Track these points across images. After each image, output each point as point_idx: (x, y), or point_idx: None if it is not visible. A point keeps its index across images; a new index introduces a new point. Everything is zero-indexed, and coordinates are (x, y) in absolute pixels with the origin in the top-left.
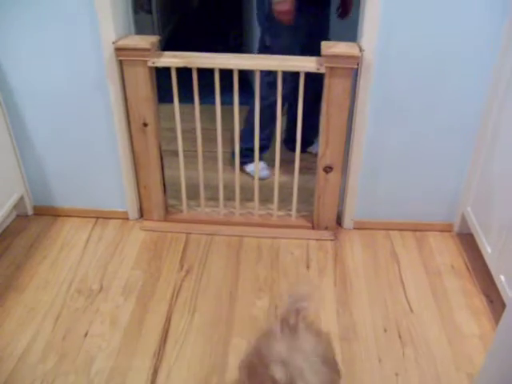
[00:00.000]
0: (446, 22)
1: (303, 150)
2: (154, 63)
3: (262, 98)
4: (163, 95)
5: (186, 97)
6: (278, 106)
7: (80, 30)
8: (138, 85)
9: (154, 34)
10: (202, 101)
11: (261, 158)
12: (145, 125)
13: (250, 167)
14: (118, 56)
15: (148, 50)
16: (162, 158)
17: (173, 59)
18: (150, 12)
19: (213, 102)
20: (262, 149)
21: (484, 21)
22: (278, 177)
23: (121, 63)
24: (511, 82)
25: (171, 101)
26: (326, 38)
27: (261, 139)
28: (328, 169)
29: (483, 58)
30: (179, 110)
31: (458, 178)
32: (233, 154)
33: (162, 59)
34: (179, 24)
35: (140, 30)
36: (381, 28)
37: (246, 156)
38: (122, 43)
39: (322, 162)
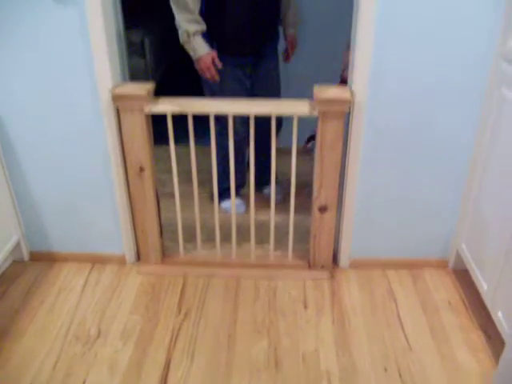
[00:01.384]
0: (434, 66)
1: (258, 190)
2: (150, 110)
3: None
4: (159, 137)
5: (181, 137)
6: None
7: (77, 79)
8: (134, 131)
9: (147, 76)
10: (197, 141)
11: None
12: (141, 170)
13: (224, 204)
14: (114, 103)
15: (144, 97)
16: (158, 202)
17: (168, 106)
18: (143, 56)
19: (208, 143)
20: (237, 187)
21: (469, 68)
22: (273, 217)
23: (117, 110)
24: (497, 124)
25: (166, 143)
26: (275, 86)
27: (235, 178)
28: (323, 209)
29: (470, 101)
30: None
31: (452, 214)
32: (211, 194)
33: (157, 106)
34: (171, 66)
35: (134, 73)
36: (371, 73)
37: (222, 195)
38: (119, 91)
39: (316, 203)
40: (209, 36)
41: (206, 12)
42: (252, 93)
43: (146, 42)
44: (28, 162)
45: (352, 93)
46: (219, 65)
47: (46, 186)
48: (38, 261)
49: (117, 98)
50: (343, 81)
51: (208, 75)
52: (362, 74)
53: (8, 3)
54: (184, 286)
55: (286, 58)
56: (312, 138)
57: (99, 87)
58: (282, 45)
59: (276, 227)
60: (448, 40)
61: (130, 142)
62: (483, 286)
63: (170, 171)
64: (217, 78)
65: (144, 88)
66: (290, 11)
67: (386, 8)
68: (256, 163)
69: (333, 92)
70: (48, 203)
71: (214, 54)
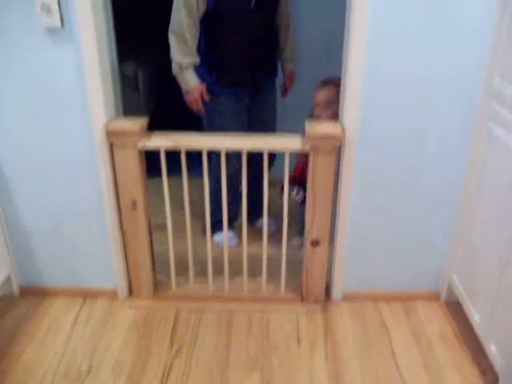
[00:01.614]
0: (422, 105)
1: (250, 222)
2: (143, 146)
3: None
4: (152, 168)
5: (174, 169)
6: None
7: (72, 114)
8: (127, 166)
9: (140, 108)
10: (190, 173)
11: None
12: (134, 204)
13: (217, 236)
14: (108, 139)
15: (138, 133)
16: (151, 235)
17: (162, 141)
18: (136, 89)
19: (201, 175)
20: (230, 219)
21: (456, 106)
22: (266, 250)
23: (111, 145)
24: (486, 160)
25: (159, 174)
26: (271, 120)
27: (228, 210)
28: (315, 243)
29: (458, 138)
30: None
31: (443, 247)
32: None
33: (151, 141)
34: (164, 99)
35: (127, 105)
36: (362, 107)
37: (214, 227)
38: (113, 127)
39: (309, 237)
40: (208, 66)
41: (205, 43)
42: (248, 124)
43: (140, 74)
44: (20, 195)
45: (343, 128)
46: (206, 98)
47: (38, 220)
48: (28, 295)
49: (111, 134)
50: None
51: (195, 108)
52: (353, 109)
53: (4, 39)
54: (176, 320)
55: (284, 92)
56: (294, 183)
57: (93, 123)
58: (280, 79)
59: (268, 259)
60: (434, 80)
61: (124, 177)
62: (476, 319)
63: (162, 203)
64: (202, 111)
65: (138, 123)
66: (288, 46)
67: (373, 49)
68: (249, 196)
69: (324, 128)
70: (39, 237)
71: (204, 87)
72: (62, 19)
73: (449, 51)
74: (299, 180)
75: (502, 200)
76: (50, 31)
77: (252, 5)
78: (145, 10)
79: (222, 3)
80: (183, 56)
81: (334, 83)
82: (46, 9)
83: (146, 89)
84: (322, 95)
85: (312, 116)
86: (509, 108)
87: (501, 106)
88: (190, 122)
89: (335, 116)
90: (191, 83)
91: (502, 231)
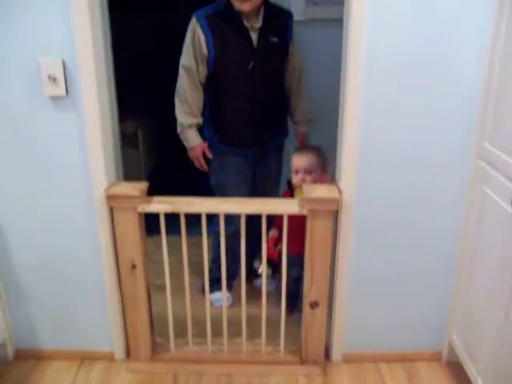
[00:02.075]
0: (416, 166)
1: (249, 282)
2: (143, 209)
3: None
4: (151, 227)
5: (173, 227)
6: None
7: (73, 178)
8: (127, 229)
9: (139, 167)
10: (189, 232)
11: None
12: (133, 267)
13: (213, 296)
14: (108, 203)
15: (138, 197)
16: (149, 298)
17: (161, 205)
18: (136, 147)
19: (199, 233)
20: (228, 279)
21: (450, 166)
22: (265, 312)
23: (111, 209)
24: (481, 219)
25: (158, 233)
26: (274, 181)
27: (228, 270)
28: (314, 304)
29: (453, 197)
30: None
31: (443, 305)
32: (202, 286)
33: (151, 205)
34: (164, 157)
35: (127, 163)
36: (358, 170)
37: (212, 286)
38: (113, 191)
39: (307, 299)
40: (212, 126)
41: (209, 104)
42: (252, 182)
43: (140, 133)
44: (18, 258)
45: (340, 191)
46: (209, 155)
47: (35, 282)
48: (24, 358)
49: (111, 198)
50: (290, 186)
51: (197, 164)
52: (349, 172)
53: (8, 103)
54: None
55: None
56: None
57: (94, 187)
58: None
59: (267, 320)
60: (428, 140)
61: (123, 240)
62: (477, 381)
63: (161, 262)
64: (205, 167)
65: (138, 188)
66: (299, 108)
67: (367, 121)
68: (248, 256)
69: (321, 191)
70: (36, 299)
71: (205, 146)
72: (66, 89)
73: (442, 118)
74: (271, 256)
75: (499, 257)
76: (55, 99)
77: (250, 67)
78: (145, 69)
79: (220, 66)
80: (185, 116)
81: (312, 149)
82: (53, 79)
83: (146, 147)
84: (302, 162)
85: (288, 182)
86: (499, 171)
87: (492, 170)
88: (190, 179)
89: (317, 182)
90: (193, 142)
91: (501, 291)
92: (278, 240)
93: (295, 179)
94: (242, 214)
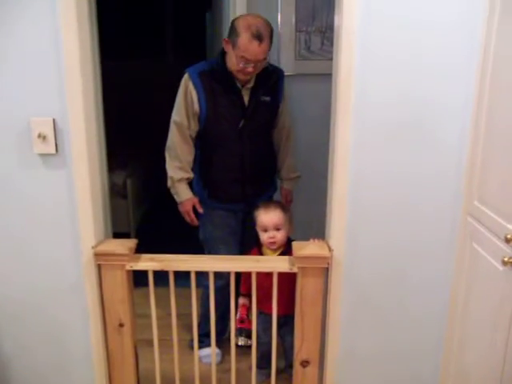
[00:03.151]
0: (404, 224)
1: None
2: (131, 267)
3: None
4: (138, 278)
5: (161, 278)
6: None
7: (61, 234)
8: (115, 287)
9: (128, 216)
10: (178, 283)
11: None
12: (121, 325)
13: (201, 352)
14: (96, 260)
15: (126, 255)
16: (137, 357)
17: (150, 263)
18: (125, 197)
19: (188, 285)
20: (217, 334)
21: (438, 223)
22: (255, 368)
23: (99, 267)
24: (471, 276)
25: (145, 284)
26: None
27: (217, 325)
28: (305, 363)
29: (442, 254)
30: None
31: (435, 366)
32: (191, 341)
33: (139, 263)
34: (153, 207)
35: (115, 214)
36: (347, 228)
37: (201, 342)
38: (101, 249)
39: (298, 357)
40: (202, 181)
41: (199, 159)
42: (241, 236)
43: (129, 183)
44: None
45: (330, 248)
46: (200, 210)
47: (17, 339)
48: None
49: (99, 256)
50: (258, 243)
51: (188, 219)
52: (339, 230)
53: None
54: None
55: None
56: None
57: (82, 244)
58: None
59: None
60: (416, 198)
61: (110, 298)
62: None
63: (148, 316)
64: (195, 222)
65: (126, 246)
66: (286, 165)
67: (357, 169)
68: (236, 311)
69: (311, 249)
70: (17, 358)
71: (196, 200)
72: (56, 146)
73: (430, 176)
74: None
75: (490, 321)
76: (44, 156)
77: (240, 125)
78: (135, 118)
79: (211, 123)
80: (175, 171)
81: (276, 204)
82: (43, 137)
83: (135, 197)
84: (271, 219)
85: (258, 242)
86: (486, 228)
87: (481, 227)
88: (179, 229)
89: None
90: (183, 196)
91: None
92: (249, 308)
93: (265, 237)
94: (232, 272)
